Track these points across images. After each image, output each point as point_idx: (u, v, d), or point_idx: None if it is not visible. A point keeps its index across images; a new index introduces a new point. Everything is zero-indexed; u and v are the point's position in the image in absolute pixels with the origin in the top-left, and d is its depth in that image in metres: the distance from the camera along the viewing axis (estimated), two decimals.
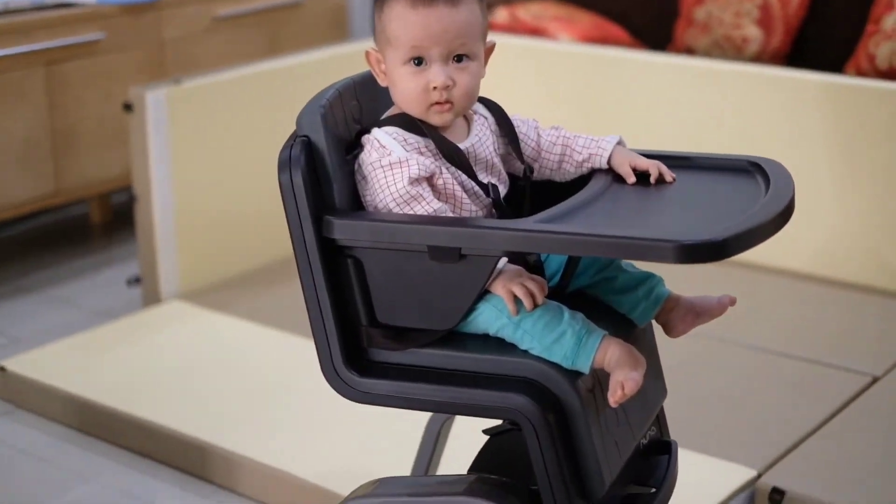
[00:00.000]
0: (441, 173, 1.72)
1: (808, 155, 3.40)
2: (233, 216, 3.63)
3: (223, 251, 3.62)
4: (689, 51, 3.92)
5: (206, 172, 3.55)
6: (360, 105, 1.81)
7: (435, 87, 1.70)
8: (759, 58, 3.80)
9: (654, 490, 1.82)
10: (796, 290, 3.43)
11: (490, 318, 1.69)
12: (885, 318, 3.25)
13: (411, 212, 1.68)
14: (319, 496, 2.54)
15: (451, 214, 1.70)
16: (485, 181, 1.75)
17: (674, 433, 2.00)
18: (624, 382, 1.64)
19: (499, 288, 1.67)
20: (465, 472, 1.87)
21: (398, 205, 1.68)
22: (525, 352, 1.68)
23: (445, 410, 1.74)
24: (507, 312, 1.67)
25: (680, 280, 2.06)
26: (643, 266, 1.82)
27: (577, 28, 4.01)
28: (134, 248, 3.94)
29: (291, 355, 3.11)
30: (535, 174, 1.84)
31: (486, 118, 1.81)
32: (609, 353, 1.66)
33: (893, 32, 3.48)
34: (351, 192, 1.75)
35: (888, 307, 3.30)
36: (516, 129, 1.83)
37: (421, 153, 1.71)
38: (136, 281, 3.58)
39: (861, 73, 3.54)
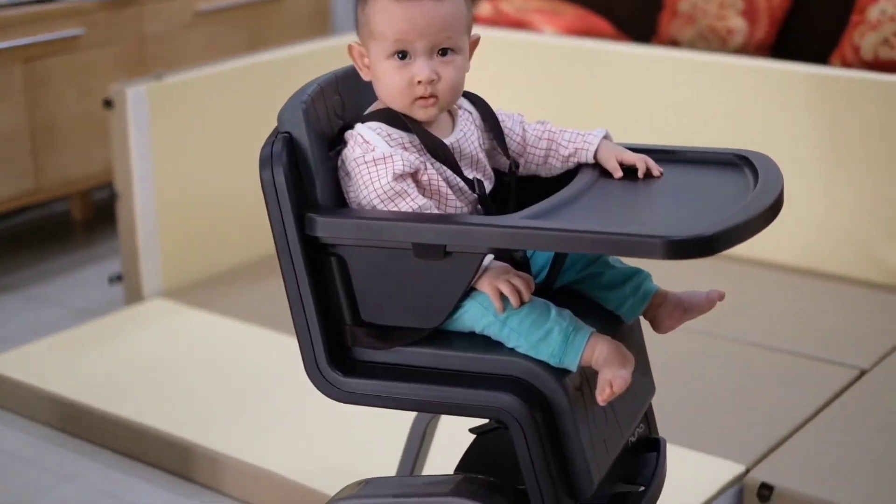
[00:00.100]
0: (426, 169, 1.69)
1: (794, 147, 3.39)
2: (215, 213, 3.60)
3: (206, 248, 3.59)
4: (674, 42, 3.90)
5: (188, 169, 3.53)
6: (343, 100, 1.78)
7: (419, 82, 1.68)
8: (744, 49, 3.79)
9: (642, 488, 1.80)
10: (783, 284, 3.42)
11: (476, 315, 1.66)
12: (873, 310, 3.24)
13: (395, 208, 1.66)
14: (305, 496, 2.52)
15: (435, 211, 1.68)
16: (470, 177, 1.72)
17: (661, 429, 1.98)
18: (612, 381, 1.62)
19: (485, 285, 1.65)
20: (451, 471, 1.85)
21: (382, 201, 1.66)
22: (512, 350, 1.65)
23: (431, 410, 1.72)
24: (494, 310, 1.65)
25: (665, 274, 2.04)
26: (630, 261, 1.80)
27: (560, 20, 3.98)
28: (116, 245, 3.92)
29: (276, 353, 3.09)
30: (521, 169, 1.81)
31: (470, 113, 1.79)
32: (597, 351, 1.63)
33: (878, 23, 3.46)
34: (334, 188, 1.72)
35: (876, 300, 3.29)
36: (501, 124, 1.80)
37: (405, 149, 1.69)
38: (118, 279, 3.55)
39: (846, 64, 3.53)
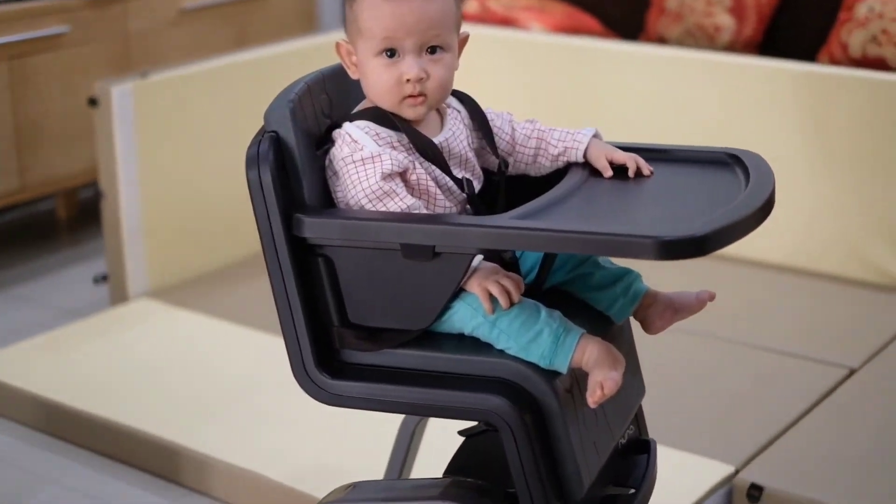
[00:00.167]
0: (414, 168, 1.67)
1: (782, 144, 3.38)
2: (201, 212, 3.58)
3: (192, 248, 3.57)
4: (662, 40, 3.89)
5: (174, 168, 3.50)
6: (330, 99, 1.76)
7: (408, 80, 1.66)
8: (732, 47, 3.78)
9: (633, 491, 1.78)
10: (771, 283, 3.41)
11: (465, 317, 1.65)
12: (861, 309, 3.23)
13: (384, 208, 1.64)
14: (292, 498, 2.50)
15: (424, 211, 1.66)
16: (459, 176, 1.70)
17: (649, 429, 1.97)
18: (603, 382, 1.60)
19: (474, 286, 1.63)
20: (440, 474, 1.83)
21: (370, 201, 1.64)
22: (501, 351, 1.64)
23: (420, 413, 1.71)
24: (483, 311, 1.63)
25: (652, 274, 2.02)
26: (620, 262, 1.79)
27: (548, 18, 3.97)
28: (101, 244, 3.89)
29: (263, 353, 3.07)
30: (510, 168, 1.80)
31: (459, 112, 1.77)
32: (587, 353, 1.62)
33: (866, 20, 3.45)
34: (321, 188, 1.70)
35: (864, 298, 3.28)
36: (490, 123, 1.78)
37: (394, 148, 1.67)
38: (103, 279, 3.53)
39: (834, 61, 3.52)
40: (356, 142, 1.66)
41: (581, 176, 1.73)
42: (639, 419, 1.91)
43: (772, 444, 2.60)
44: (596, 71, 3.69)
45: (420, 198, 1.67)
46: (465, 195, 1.70)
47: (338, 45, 1.73)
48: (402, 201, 1.64)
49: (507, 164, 1.78)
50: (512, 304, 1.62)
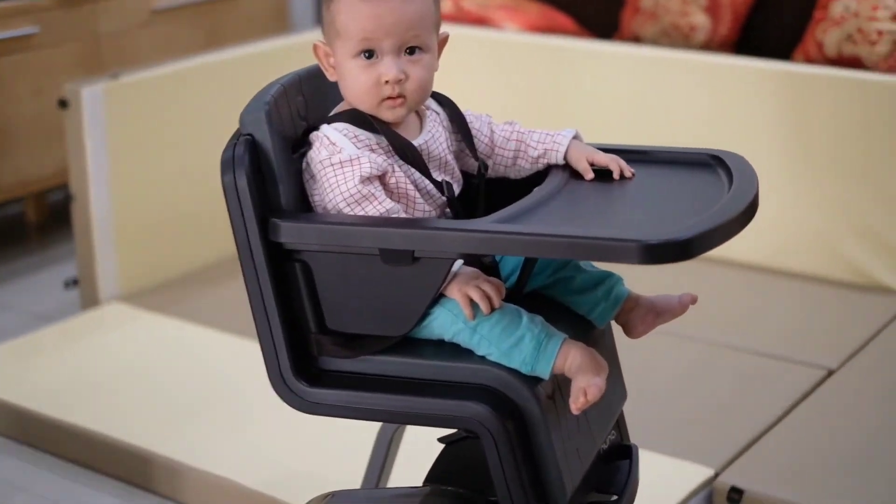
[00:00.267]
0: (393, 171, 1.64)
1: (758, 143, 3.37)
2: (173, 215, 3.54)
3: (164, 251, 3.54)
4: (637, 39, 3.87)
5: (146, 170, 3.47)
6: (306, 101, 1.73)
7: (387, 81, 1.63)
8: (708, 46, 3.76)
9: (615, 497, 1.76)
10: (747, 282, 3.39)
11: (445, 323, 1.61)
12: (839, 309, 3.22)
13: (362, 212, 1.61)
14: None
15: (403, 215, 1.63)
16: (438, 179, 1.67)
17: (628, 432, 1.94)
18: (586, 389, 1.57)
19: (454, 291, 1.60)
20: (420, 481, 1.80)
21: (349, 205, 1.61)
22: (482, 358, 1.61)
23: (400, 421, 1.68)
24: (464, 317, 1.60)
25: (627, 275, 2.00)
26: (601, 265, 1.76)
27: (523, 17, 3.94)
28: (71, 248, 3.85)
29: (236, 358, 3.04)
30: (489, 171, 1.77)
31: (438, 114, 1.74)
32: (570, 358, 1.59)
33: (842, 19, 3.44)
34: (298, 192, 1.67)
35: (841, 298, 3.27)
36: (469, 125, 1.75)
37: (372, 150, 1.64)
38: (73, 282, 3.50)
39: (810, 60, 3.51)
40: (334, 144, 1.63)
41: (562, 178, 1.71)
42: (620, 424, 1.88)
43: (751, 447, 2.59)
44: (571, 70, 3.68)
45: (399, 201, 1.64)
46: (444, 198, 1.67)
47: (315, 47, 1.70)
48: (380, 205, 1.61)
49: (486, 167, 1.75)
50: (493, 309, 1.59)
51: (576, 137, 1.76)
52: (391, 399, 1.63)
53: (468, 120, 1.76)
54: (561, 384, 1.65)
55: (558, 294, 1.75)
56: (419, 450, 2.04)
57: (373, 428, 2.17)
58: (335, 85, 1.71)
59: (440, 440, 1.85)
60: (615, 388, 1.81)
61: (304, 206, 1.68)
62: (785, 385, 2.83)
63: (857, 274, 3.31)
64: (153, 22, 4.15)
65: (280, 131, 1.66)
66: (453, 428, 1.75)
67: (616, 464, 1.82)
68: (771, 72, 3.38)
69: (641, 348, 2.72)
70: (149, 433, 2.71)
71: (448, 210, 1.68)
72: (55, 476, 2.73)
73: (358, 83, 1.64)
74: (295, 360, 1.66)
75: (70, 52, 3.93)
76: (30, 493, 2.67)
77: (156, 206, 3.50)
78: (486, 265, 1.68)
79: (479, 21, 3.96)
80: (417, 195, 1.66)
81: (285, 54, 3.67)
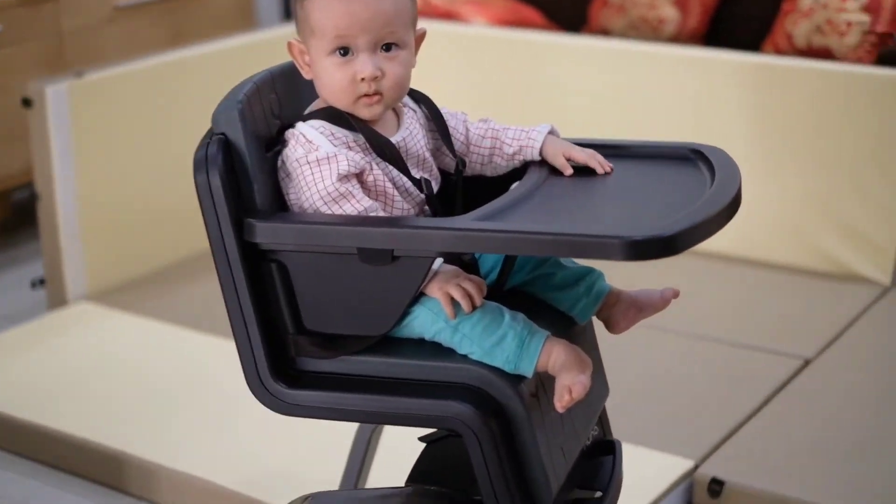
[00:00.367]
0: (371, 169, 1.62)
1: (729, 135, 3.36)
2: (140, 212, 3.51)
3: (131, 249, 3.50)
4: (605, 32, 3.85)
5: (112, 168, 3.43)
6: (280, 99, 1.70)
7: (363, 79, 1.60)
8: (677, 38, 3.75)
9: (599, 494, 1.74)
10: (720, 273, 3.39)
11: (426, 322, 1.59)
12: (813, 298, 3.22)
13: (340, 211, 1.58)
14: None
15: (381, 213, 1.61)
16: (417, 177, 1.65)
17: None
18: (571, 386, 1.55)
19: (435, 290, 1.58)
20: (399, 480, 1.78)
21: (326, 203, 1.58)
22: (464, 357, 1.58)
23: (381, 421, 1.65)
24: (444, 316, 1.57)
25: (599, 266, 1.98)
26: (581, 261, 1.74)
27: (490, 11, 3.92)
28: (37, 247, 3.80)
29: (209, 356, 3.01)
30: (466, 169, 1.74)
31: (415, 111, 1.72)
32: (553, 356, 1.57)
33: (810, 11, 3.44)
34: (273, 191, 1.64)
35: (814, 287, 3.27)
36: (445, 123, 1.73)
37: (350, 148, 1.61)
38: (40, 282, 3.46)
39: (779, 51, 3.51)
40: (311, 142, 1.60)
41: (540, 175, 1.68)
42: (602, 420, 1.87)
43: (730, 438, 2.59)
44: (539, 64, 3.66)
45: (377, 199, 1.62)
46: (423, 196, 1.65)
47: (290, 45, 1.67)
48: (358, 203, 1.58)
49: (464, 164, 1.72)
50: (474, 307, 1.57)
51: (551, 132, 1.73)
52: (372, 400, 1.60)
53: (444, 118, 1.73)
54: (544, 382, 1.63)
55: (539, 290, 1.73)
56: (397, 449, 2.02)
57: (351, 427, 2.15)
58: (308, 83, 1.68)
59: (421, 439, 1.83)
60: (597, 384, 1.78)
61: (279, 205, 1.65)
62: (762, 376, 2.83)
63: (828, 262, 3.31)
64: (117, 19, 4.11)
65: (254, 130, 1.63)
66: (436, 427, 1.72)
67: (599, 460, 1.80)
68: (741, 64, 3.38)
69: (617, 341, 2.70)
70: (121, 434, 2.68)
71: (427, 208, 1.66)
72: (26, 478, 2.70)
73: (333, 81, 1.62)
74: (272, 361, 1.64)
75: (33, 50, 3.89)
76: None
77: (122, 203, 3.47)
78: (466, 262, 1.65)
79: (447, 15, 3.94)
80: (396, 193, 1.63)
81: (252, 51, 3.64)
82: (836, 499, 2.36)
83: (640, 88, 3.51)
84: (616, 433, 1.94)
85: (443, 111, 1.74)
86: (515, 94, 3.69)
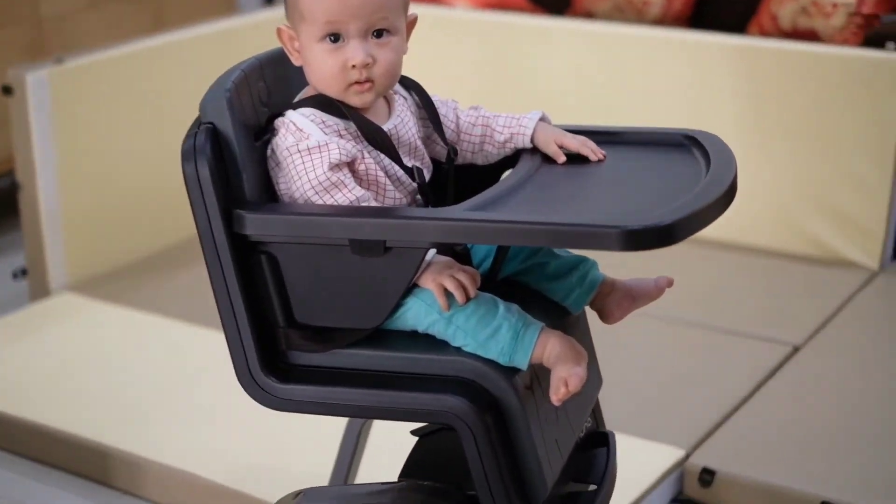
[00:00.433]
0: (363, 158, 1.59)
1: (714, 117, 3.34)
2: (123, 201, 3.47)
3: (114, 239, 3.46)
4: (589, 15, 3.82)
5: (94, 156, 3.40)
6: (268, 87, 1.67)
7: (354, 66, 1.57)
8: (662, 21, 3.72)
9: (594, 486, 1.72)
10: (708, 259, 3.36)
11: (419, 314, 1.57)
12: (801, 283, 3.20)
13: (332, 200, 1.55)
14: (231, 499, 2.41)
15: (373, 203, 1.58)
16: (409, 165, 1.62)
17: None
18: (567, 379, 1.53)
19: (428, 281, 1.55)
20: (390, 474, 1.76)
21: (317, 192, 1.55)
22: (458, 349, 1.56)
23: (374, 416, 1.63)
24: (438, 307, 1.55)
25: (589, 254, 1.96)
26: (576, 250, 1.71)
27: None
28: (19, 237, 3.76)
29: (195, 347, 2.97)
30: (457, 157, 1.72)
31: (406, 98, 1.69)
32: (549, 348, 1.55)
33: None
34: (262, 181, 1.61)
35: (803, 272, 3.25)
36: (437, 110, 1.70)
37: (341, 136, 1.58)
38: (22, 273, 3.42)
39: (764, 33, 3.48)
40: (301, 130, 1.57)
41: (533, 163, 1.66)
42: (596, 411, 1.85)
43: (721, 426, 2.57)
44: (523, 48, 3.64)
45: (369, 188, 1.59)
46: (415, 185, 1.62)
47: (279, 31, 1.64)
48: (350, 192, 1.55)
49: (456, 152, 1.70)
50: (468, 299, 1.55)
51: (543, 119, 1.71)
52: (364, 394, 1.58)
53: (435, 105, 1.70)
54: (538, 374, 1.61)
55: (532, 280, 1.71)
56: (387, 443, 1.99)
57: (340, 421, 2.12)
58: (298, 70, 1.65)
59: (413, 433, 1.81)
60: (591, 375, 1.76)
61: (268, 194, 1.62)
62: (751, 362, 2.81)
63: (817, 248, 3.30)
64: (97, 4, 4.07)
65: (242, 119, 1.60)
66: (430, 422, 1.70)
67: (593, 452, 1.79)
68: (726, 46, 3.36)
69: (605, 329, 2.69)
70: (106, 427, 2.65)
71: (419, 197, 1.63)
72: (9, 473, 2.66)
73: (324, 68, 1.59)
74: (263, 355, 1.61)
75: (12, 36, 3.84)
76: None
77: (105, 192, 3.43)
78: (458, 252, 1.63)
79: None
80: (388, 182, 1.61)
81: (233, 36, 3.60)
82: (828, 487, 2.35)
83: (625, 71, 3.49)
84: (606, 422, 1.92)
85: (433, 98, 1.71)
86: (499, 77, 3.66)
